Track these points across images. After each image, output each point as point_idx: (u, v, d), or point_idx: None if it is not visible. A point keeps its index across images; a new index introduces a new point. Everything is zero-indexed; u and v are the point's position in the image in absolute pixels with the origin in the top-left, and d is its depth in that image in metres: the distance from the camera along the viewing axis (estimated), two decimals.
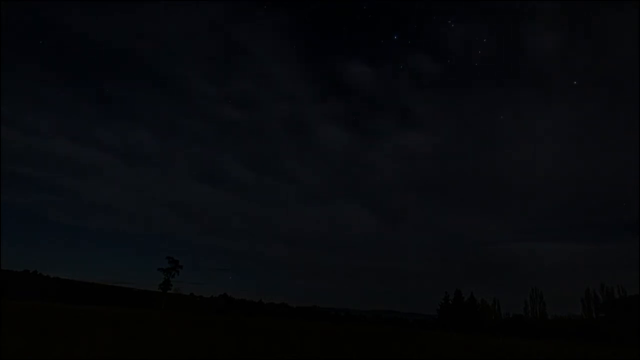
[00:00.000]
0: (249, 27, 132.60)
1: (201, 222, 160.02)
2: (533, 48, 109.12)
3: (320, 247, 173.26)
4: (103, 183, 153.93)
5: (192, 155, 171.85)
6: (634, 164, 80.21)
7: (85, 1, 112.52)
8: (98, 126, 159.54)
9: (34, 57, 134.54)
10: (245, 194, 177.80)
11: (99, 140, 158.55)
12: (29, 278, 54.29)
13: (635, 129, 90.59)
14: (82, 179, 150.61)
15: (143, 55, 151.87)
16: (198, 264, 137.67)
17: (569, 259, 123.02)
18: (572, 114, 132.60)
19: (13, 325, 11.41)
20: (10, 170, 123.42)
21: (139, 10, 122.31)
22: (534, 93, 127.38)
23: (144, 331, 12.92)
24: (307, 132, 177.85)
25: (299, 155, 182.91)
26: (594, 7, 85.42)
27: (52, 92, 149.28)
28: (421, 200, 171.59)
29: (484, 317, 64.54)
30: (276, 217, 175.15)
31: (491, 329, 60.22)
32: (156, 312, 40.23)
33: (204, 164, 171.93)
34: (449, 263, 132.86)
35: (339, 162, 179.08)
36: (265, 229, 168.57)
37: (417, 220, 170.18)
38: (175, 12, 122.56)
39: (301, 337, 15.93)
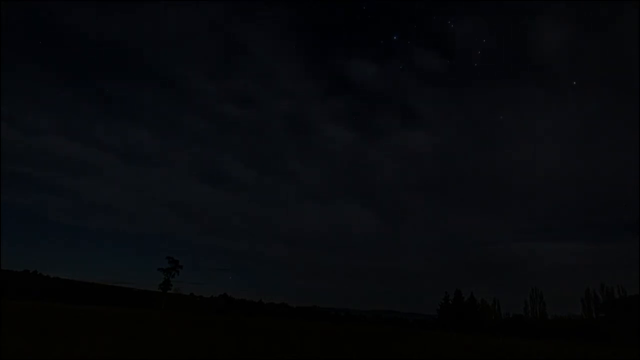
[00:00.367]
0: (249, 25, 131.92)
1: (201, 222, 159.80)
2: (535, 47, 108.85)
3: (321, 247, 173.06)
4: (103, 183, 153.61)
5: (193, 155, 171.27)
6: (634, 164, 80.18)
7: (85, 0, 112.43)
8: (98, 125, 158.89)
9: (33, 56, 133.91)
10: (245, 194, 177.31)
11: (99, 140, 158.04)
12: (29, 278, 54.25)
13: (635, 129, 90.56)
14: (82, 179, 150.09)
15: (143, 54, 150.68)
16: (198, 264, 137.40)
17: (569, 259, 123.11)
18: (572, 114, 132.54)
19: (13, 325, 11.41)
20: (10, 170, 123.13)
21: (139, 9, 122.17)
22: (535, 93, 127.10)
23: (144, 331, 12.92)
24: (309, 131, 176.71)
25: (300, 154, 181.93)
26: (596, 7, 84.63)
27: (52, 92, 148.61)
28: (422, 200, 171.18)
29: (484, 317, 64.51)
30: (276, 217, 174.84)
31: (491, 329, 60.19)
32: (156, 312, 40.23)
33: (205, 163, 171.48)
34: (449, 263, 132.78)
35: (340, 161, 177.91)
36: (265, 229, 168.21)
37: (417, 220, 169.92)
38: (175, 11, 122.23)
39: (301, 337, 15.93)
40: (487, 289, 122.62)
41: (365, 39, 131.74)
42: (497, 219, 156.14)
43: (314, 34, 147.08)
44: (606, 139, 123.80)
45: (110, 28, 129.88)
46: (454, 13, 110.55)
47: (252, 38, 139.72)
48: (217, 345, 10.06)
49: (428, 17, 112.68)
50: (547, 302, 61.83)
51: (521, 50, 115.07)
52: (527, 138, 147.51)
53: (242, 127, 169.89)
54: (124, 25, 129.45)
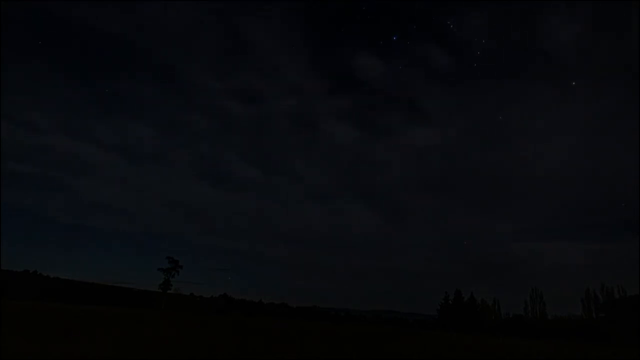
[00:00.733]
0: (254, 19, 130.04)
1: (201, 222, 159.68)
2: (543, 45, 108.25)
3: (321, 246, 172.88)
4: (103, 182, 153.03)
5: (194, 153, 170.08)
6: (634, 163, 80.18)
7: None
8: (99, 124, 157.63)
9: (32, 53, 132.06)
10: (246, 194, 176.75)
11: (99, 139, 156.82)
12: (29, 278, 54.30)
13: (635, 129, 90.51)
14: (82, 178, 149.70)
15: (144, 50, 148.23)
16: (198, 264, 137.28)
17: (569, 259, 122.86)
18: (573, 114, 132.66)
19: (13, 325, 11.41)
20: (10, 169, 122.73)
21: (140, 5, 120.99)
22: (538, 91, 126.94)
23: (144, 331, 12.92)
24: (313, 129, 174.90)
25: (304, 153, 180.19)
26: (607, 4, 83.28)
27: (52, 89, 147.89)
28: (423, 199, 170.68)
29: (484, 317, 64.52)
30: (277, 216, 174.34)
31: (491, 329, 60.20)
32: (156, 312, 40.23)
33: (206, 162, 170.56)
34: (449, 263, 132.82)
35: (343, 160, 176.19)
36: (265, 228, 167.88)
37: (418, 220, 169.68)
38: (177, 6, 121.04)
39: (301, 337, 15.93)
40: (487, 289, 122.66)
41: (371, 34, 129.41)
42: (497, 219, 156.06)
43: (319, 29, 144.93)
44: (607, 139, 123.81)
45: (111, 24, 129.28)
46: (461, 9, 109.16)
47: (256, 34, 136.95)
48: (217, 345, 10.06)
49: (434, 12, 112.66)
50: (547, 302, 61.92)
51: (529, 47, 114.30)
52: (527, 137, 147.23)
53: (245, 125, 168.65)
54: (125, 18, 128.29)
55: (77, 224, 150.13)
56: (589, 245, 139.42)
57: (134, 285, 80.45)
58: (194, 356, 7.83)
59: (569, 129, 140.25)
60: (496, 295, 73.54)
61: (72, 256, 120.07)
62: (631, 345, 34.08)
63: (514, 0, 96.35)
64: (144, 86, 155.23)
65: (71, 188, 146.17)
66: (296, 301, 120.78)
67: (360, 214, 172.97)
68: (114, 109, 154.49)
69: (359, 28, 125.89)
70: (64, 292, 49.43)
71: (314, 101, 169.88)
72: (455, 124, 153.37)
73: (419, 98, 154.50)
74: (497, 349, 18.12)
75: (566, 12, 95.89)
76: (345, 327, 35.74)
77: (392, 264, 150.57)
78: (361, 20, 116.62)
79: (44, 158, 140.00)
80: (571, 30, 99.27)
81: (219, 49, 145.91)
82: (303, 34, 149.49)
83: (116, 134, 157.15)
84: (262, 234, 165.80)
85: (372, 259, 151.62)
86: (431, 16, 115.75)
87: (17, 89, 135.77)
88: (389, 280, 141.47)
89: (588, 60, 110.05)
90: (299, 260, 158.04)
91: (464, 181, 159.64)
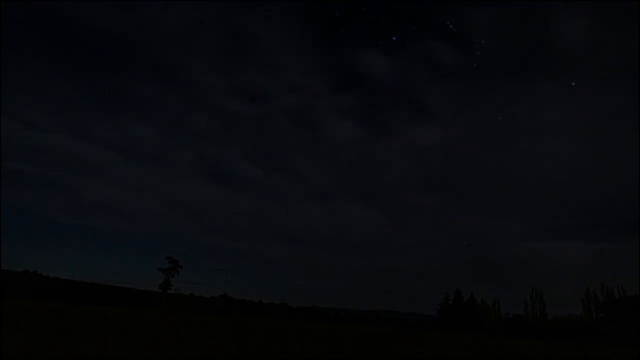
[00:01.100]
0: (255, 18, 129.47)
1: (201, 222, 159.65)
2: (550, 42, 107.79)
3: (321, 246, 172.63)
4: (104, 182, 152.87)
5: (195, 153, 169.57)
6: (634, 163, 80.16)
7: None
8: (99, 122, 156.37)
9: (32, 51, 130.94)
10: (247, 193, 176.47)
11: (99, 138, 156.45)
12: (29, 278, 54.29)
13: (635, 129, 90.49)
14: (82, 178, 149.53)
15: (144, 47, 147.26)
16: (198, 264, 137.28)
17: (569, 259, 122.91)
18: (572, 114, 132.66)
19: (13, 325, 11.41)
20: (10, 168, 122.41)
21: (139, 3, 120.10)
22: (539, 93, 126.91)
23: (144, 331, 12.92)
24: (315, 127, 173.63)
25: (306, 152, 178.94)
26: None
27: (52, 88, 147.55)
28: (424, 199, 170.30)
29: (484, 317, 64.54)
30: (278, 216, 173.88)
31: (491, 329, 60.21)
32: (156, 312, 40.23)
33: (206, 161, 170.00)
34: (449, 263, 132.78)
35: (345, 159, 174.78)
36: (265, 228, 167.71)
37: (418, 219, 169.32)
38: (178, 3, 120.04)
39: (301, 337, 15.94)
40: (487, 289, 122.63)
41: (375, 31, 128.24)
42: (498, 219, 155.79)
43: (320, 27, 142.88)
44: (607, 139, 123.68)
45: (112, 23, 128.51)
46: (461, 9, 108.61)
47: (259, 29, 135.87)
48: (217, 345, 10.06)
49: (434, 12, 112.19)
50: (547, 302, 61.93)
51: (529, 46, 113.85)
52: (527, 137, 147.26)
53: (246, 124, 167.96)
54: (126, 20, 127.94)
55: (77, 224, 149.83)
56: (589, 245, 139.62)
57: (134, 285, 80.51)
58: (194, 356, 7.83)
59: (569, 129, 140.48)
60: (496, 295, 73.61)
61: (72, 256, 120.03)
62: (631, 345, 34.07)
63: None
64: (144, 85, 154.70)
65: (71, 188, 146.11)
66: (296, 301, 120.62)
67: (360, 213, 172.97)
68: (115, 108, 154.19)
69: (361, 26, 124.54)
70: (64, 292, 49.42)
71: (315, 100, 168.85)
72: (456, 123, 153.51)
73: (422, 97, 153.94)
74: (497, 349, 18.12)
75: (567, 11, 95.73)
76: (345, 327, 35.74)
77: (392, 264, 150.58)
78: (362, 20, 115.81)
79: (44, 157, 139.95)
80: (572, 30, 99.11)
81: (220, 48, 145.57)
82: (304, 32, 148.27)
83: (117, 134, 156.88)
84: (262, 234, 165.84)
85: (372, 259, 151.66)
86: (431, 16, 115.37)
87: (18, 88, 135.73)
88: (389, 280, 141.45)
89: (588, 61, 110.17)
90: (299, 260, 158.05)
91: (464, 181, 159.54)
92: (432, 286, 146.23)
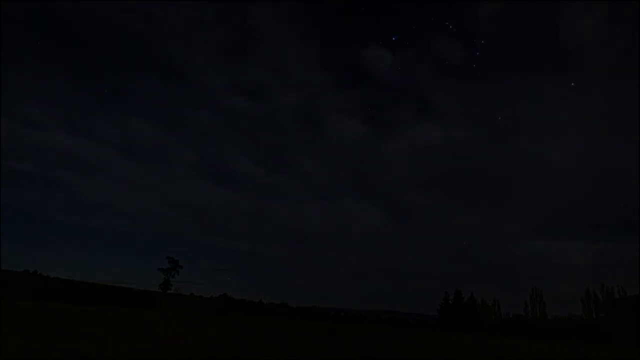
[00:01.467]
0: (258, 12, 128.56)
1: (201, 222, 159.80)
2: (544, 46, 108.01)
3: (321, 246, 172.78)
4: (104, 181, 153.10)
5: (195, 152, 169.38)
6: (634, 164, 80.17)
7: None
8: (99, 121, 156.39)
9: (32, 48, 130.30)
10: (248, 193, 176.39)
11: (100, 136, 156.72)
12: (29, 278, 54.27)
13: (635, 130, 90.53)
14: (82, 177, 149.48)
15: (145, 45, 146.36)
16: (198, 264, 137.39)
17: (569, 259, 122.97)
18: (573, 115, 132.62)
19: (13, 325, 11.41)
20: (10, 167, 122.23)
21: None
22: (539, 93, 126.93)
23: (144, 331, 12.92)
24: (318, 125, 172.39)
25: (308, 150, 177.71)
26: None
27: (53, 87, 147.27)
28: (425, 199, 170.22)
29: (484, 317, 64.54)
30: (278, 215, 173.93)
31: (491, 329, 60.21)
32: (156, 312, 40.23)
33: (207, 160, 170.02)
34: (449, 263, 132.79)
35: (348, 157, 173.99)
36: (266, 228, 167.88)
37: (419, 219, 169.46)
38: None
39: (301, 337, 15.94)
40: (487, 289, 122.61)
41: (380, 27, 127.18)
42: (498, 219, 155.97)
43: (325, 23, 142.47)
44: (607, 139, 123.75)
45: (112, 20, 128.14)
46: (461, 9, 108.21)
47: (262, 24, 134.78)
48: (217, 345, 10.06)
49: (440, 8, 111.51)
50: (547, 302, 61.93)
51: (530, 46, 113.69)
52: (527, 137, 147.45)
53: (248, 122, 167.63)
54: (126, 17, 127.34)
55: (77, 224, 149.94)
56: (589, 245, 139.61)
57: (134, 285, 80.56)
58: (194, 356, 7.83)
59: (569, 129, 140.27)
60: (496, 295, 73.66)
61: (72, 256, 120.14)
62: (631, 345, 34.07)
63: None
64: (145, 84, 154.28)
65: (71, 188, 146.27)
66: (296, 301, 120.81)
67: (360, 213, 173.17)
68: (115, 108, 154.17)
69: (368, 20, 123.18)
70: (64, 292, 49.39)
71: (319, 97, 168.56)
72: (457, 123, 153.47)
73: (431, 92, 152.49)
74: (497, 349, 18.12)
75: (567, 11, 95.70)
76: (345, 327, 35.73)
77: (392, 263, 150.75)
78: (371, 10, 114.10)
79: (44, 157, 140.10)
80: (573, 31, 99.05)
81: (222, 45, 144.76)
82: (308, 29, 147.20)
83: (117, 133, 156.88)
84: (262, 234, 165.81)
85: (372, 259, 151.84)
86: (433, 15, 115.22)
87: (18, 87, 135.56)
88: (389, 280, 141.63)
89: (587, 61, 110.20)
90: (299, 260, 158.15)
91: (464, 180, 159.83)
92: (432, 286, 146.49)
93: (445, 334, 39.99)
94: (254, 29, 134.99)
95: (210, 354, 8.39)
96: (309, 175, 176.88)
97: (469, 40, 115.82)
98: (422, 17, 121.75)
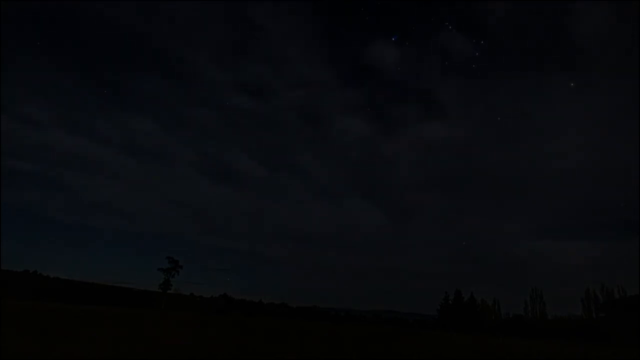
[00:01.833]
0: (260, 10, 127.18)
1: (201, 222, 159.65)
2: (544, 46, 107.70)
3: (321, 246, 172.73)
4: (104, 181, 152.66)
5: (196, 151, 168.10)
6: (634, 163, 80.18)
7: None
8: (99, 119, 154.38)
9: (32, 47, 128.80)
10: (248, 193, 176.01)
11: (100, 135, 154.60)
12: (29, 278, 54.29)
13: (635, 130, 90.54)
14: (82, 177, 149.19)
15: (146, 42, 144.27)
16: (198, 264, 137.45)
17: (569, 259, 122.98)
18: (573, 115, 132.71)
19: (13, 325, 11.41)
20: (10, 167, 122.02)
21: None
22: (539, 94, 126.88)
23: (144, 331, 12.92)
24: (321, 123, 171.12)
25: (311, 149, 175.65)
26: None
27: (53, 87, 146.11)
28: (426, 199, 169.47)
29: (484, 317, 64.53)
30: (279, 215, 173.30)
31: (491, 329, 60.20)
32: (156, 312, 40.22)
33: (208, 160, 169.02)
34: (449, 263, 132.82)
35: (351, 156, 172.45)
36: (266, 228, 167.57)
37: (420, 219, 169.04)
38: None
39: (301, 337, 15.94)
40: (487, 289, 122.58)
41: (382, 26, 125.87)
42: (498, 219, 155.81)
43: (329, 20, 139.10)
44: (607, 139, 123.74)
45: (113, 17, 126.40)
46: (472, 4, 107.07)
47: (265, 21, 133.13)
48: (217, 345, 10.06)
49: (434, 13, 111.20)
50: (547, 302, 61.91)
51: (531, 46, 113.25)
52: (527, 138, 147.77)
53: (250, 120, 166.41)
54: (127, 13, 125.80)
55: (77, 224, 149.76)
56: (588, 245, 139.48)
57: (134, 285, 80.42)
58: (194, 356, 7.83)
59: (570, 129, 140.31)
60: (496, 295, 73.64)
61: (72, 256, 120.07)
62: (631, 345, 34.07)
63: None
64: (145, 82, 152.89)
65: (71, 187, 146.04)
66: (296, 301, 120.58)
67: (365, 213, 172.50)
68: (115, 106, 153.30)
69: (372, 17, 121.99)
70: (64, 292, 49.39)
71: (320, 96, 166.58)
72: (458, 123, 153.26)
73: (427, 95, 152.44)
74: (497, 349, 18.12)
75: (569, 11, 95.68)
76: (345, 327, 35.73)
77: (392, 263, 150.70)
78: (376, 8, 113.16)
79: (44, 156, 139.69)
80: (575, 31, 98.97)
81: (224, 43, 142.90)
82: (311, 26, 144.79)
83: (117, 132, 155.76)
84: (262, 234, 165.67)
85: (372, 259, 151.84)
86: (436, 14, 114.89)
87: (17, 86, 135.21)
88: (389, 280, 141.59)
89: (587, 61, 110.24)
90: (299, 260, 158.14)
91: (464, 180, 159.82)
92: (432, 286, 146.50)
93: (445, 334, 40.00)
94: (255, 27, 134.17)
95: (210, 354, 8.39)
96: (310, 174, 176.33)
97: (471, 40, 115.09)
98: (423, 15, 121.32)
